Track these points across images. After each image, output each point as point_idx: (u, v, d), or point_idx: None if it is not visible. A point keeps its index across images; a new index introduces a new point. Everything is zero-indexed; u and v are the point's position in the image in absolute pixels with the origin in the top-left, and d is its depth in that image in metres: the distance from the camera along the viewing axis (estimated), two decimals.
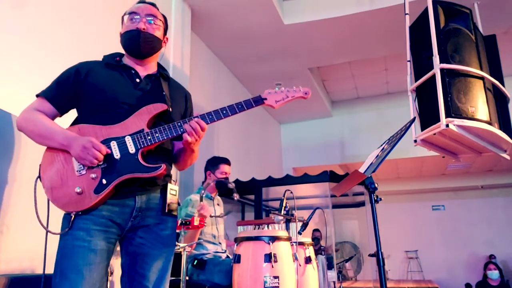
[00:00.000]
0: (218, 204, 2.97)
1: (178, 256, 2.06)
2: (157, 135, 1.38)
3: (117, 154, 1.35)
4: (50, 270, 1.33)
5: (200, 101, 4.50)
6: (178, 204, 1.53)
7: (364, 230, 8.81)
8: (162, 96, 1.49)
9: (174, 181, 1.55)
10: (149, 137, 1.38)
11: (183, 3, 3.98)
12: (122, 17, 1.56)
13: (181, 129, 1.39)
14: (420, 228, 9.79)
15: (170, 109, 1.47)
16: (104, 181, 1.32)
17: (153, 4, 1.59)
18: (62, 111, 1.48)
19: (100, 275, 1.30)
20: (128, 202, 1.37)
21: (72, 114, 1.50)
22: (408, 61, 3.07)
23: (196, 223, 2.17)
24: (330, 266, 4.61)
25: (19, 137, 2.04)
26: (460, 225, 9.54)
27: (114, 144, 1.36)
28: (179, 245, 2.23)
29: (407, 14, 3.17)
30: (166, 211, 1.43)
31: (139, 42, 1.47)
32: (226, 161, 2.97)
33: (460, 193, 9.77)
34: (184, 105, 1.61)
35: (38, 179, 1.35)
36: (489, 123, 2.66)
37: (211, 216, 2.46)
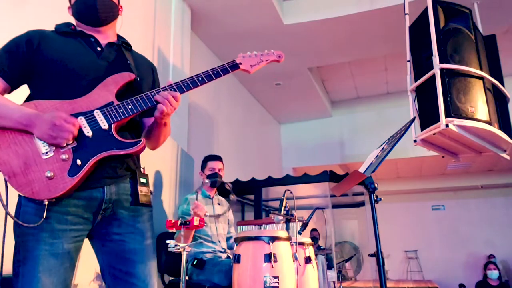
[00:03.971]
0: (219, 204, 2.98)
1: (178, 256, 2.06)
2: (130, 107, 1.26)
3: (88, 131, 1.21)
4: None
5: (200, 101, 4.51)
6: (151, 193, 1.43)
7: (364, 230, 8.81)
8: (127, 66, 1.37)
9: (143, 168, 1.43)
10: (121, 110, 1.25)
11: (183, 3, 3.99)
12: None
13: (152, 101, 1.29)
14: (419, 228, 9.80)
15: (138, 78, 1.36)
16: (78, 162, 1.17)
17: None
18: (13, 85, 1.28)
19: (62, 278, 1.19)
20: (95, 194, 1.24)
21: (21, 91, 1.32)
22: (408, 61, 3.07)
23: (196, 223, 2.17)
24: (330, 266, 4.61)
25: None
26: (459, 225, 9.54)
27: (82, 120, 1.21)
28: (179, 245, 2.23)
29: (407, 14, 3.17)
30: (139, 202, 1.32)
31: (96, 6, 1.33)
32: (212, 158, 3.01)
33: (460, 193, 9.77)
34: (151, 77, 1.50)
35: None
36: (489, 123, 2.67)
37: (205, 216, 2.47)
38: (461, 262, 9.26)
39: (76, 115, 1.21)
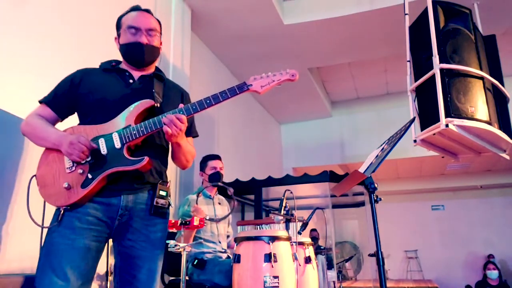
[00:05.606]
0: (219, 203, 2.98)
1: (178, 255, 2.06)
2: (141, 129, 1.41)
3: (104, 150, 1.40)
4: None
5: None
6: (169, 205, 1.52)
7: (364, 230, 8.81)
8: (151, 93, 1.52)
9: (166, 182, 1.54)
10: (134, 132, 1.41)
11: (183, 3, 3.99)
12: (119, 23, 1.58)
13: (161, 123, 1.41)
14: (419, 228, 9.80)
15: (158, 105, 1.50)
16: (90, 176, 1.37)
17: (149, 11, 1.61)
18: (62, 116, 1.56)
19: (83, 273, 1.33)
20: (113, 201, 1.41)
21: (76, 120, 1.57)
22: (408, 61, 3.07)
23: (196, 223, 2.17)
24: (330, 266, 4.61)
25: (27, 141, 2.05)
26: (459, 224, 9.55)
27: (102, 141, 1.41)
28: (179, 245, 2.23)
29: (406, 14, 3.17)
30: (152, 212, 1.45)
31: (143, 55, 1.54)
32: (212, 157, 3.02)
33: (459, 193, 9.78)
34: (180, 102, 1.60)
35: (34, 177, 1.42)
36: (489, 123, 2.66)
37: (205, 219, 2.46)
38: (461, 262, 9.27)
39: (99, 137, 1.42)
